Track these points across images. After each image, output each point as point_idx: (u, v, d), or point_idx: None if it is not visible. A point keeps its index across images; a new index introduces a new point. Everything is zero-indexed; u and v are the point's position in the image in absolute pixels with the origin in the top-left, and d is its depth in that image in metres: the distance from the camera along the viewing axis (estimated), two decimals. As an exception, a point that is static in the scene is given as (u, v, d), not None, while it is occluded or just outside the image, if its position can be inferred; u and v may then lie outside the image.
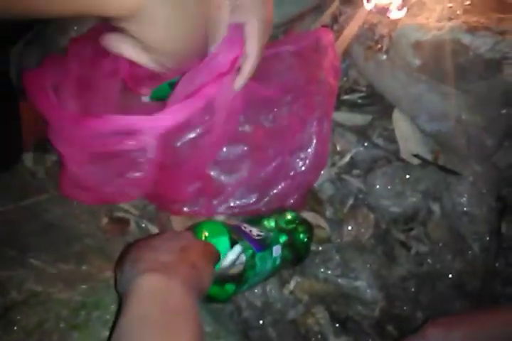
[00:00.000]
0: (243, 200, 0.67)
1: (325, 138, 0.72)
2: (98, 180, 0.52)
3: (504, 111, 0.73)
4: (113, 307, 0.42)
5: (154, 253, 0.41)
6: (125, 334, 0.34)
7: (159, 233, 0.49)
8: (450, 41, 0.68)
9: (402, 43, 0.74)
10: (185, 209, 0.64)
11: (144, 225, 0.64)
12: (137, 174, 0.52)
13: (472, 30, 0.68)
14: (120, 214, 0.63)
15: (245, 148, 0.69)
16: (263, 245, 0.54)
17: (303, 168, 0.70)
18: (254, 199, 0.67)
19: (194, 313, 0.38)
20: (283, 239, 0.61)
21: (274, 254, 0.56)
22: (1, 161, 0.52)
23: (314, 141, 0.71)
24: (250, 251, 0.52)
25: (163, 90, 0.54)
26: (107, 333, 0.39)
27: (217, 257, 0.47)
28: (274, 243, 0.57)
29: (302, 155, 0.70)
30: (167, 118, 0.47)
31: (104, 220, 0.61)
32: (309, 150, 0.71)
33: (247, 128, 0.68)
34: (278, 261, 0.57)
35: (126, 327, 0.35)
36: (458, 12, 0.72)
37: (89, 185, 0.52)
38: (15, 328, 0.36)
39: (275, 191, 0.69)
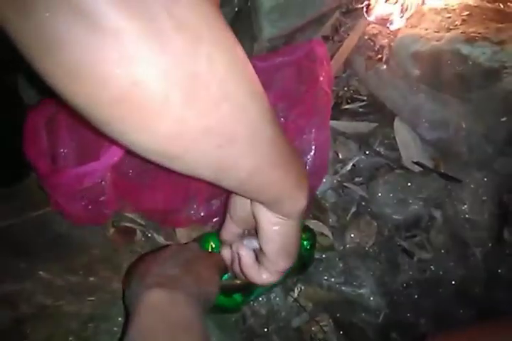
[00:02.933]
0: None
1: (323, 144, 0.73)
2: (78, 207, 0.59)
3: (504, 118, 0.74)
4: (120, 320, 0.43)
5: (160, 267, 0.43)
6: None
7: (165, 246, 0.51)
8: (449, 51, 0.70)
9: (402, 54, 0.75)
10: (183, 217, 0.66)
11: (149, 235, 0.65)
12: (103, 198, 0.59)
13: (471, 40, 0.69)
14: (126, 224, 0.64)
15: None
16: None
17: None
18: None
19: (198, 325, 0.38)
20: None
21: None
22: (11, 175, 0.53)
23: (313, 148, 0.72)
24: None
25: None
26: (114, 346, 0.41)
27: (223, 267, 0.48)
28: None
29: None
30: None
31: (111, 230, 0.62)
32: (308, 156, 0.72)
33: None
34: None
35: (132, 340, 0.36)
36: (456, 22, 0.74)
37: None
38: (25, 342, 0.37)
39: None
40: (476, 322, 0.74)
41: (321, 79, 0.72)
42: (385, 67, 0.80)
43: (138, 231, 0.65)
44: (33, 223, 0.55)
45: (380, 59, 0.81)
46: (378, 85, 0.83)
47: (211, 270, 0.45)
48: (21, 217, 0.55)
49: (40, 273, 0.47)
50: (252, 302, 0.67)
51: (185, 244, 0.50)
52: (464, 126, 0.75)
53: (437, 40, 0.71)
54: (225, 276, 0.49)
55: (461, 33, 0.70)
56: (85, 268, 0.51)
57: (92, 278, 0.50)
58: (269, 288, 0.59)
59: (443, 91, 0.74)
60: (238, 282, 0.54)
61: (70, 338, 0.39)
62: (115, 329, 0.42)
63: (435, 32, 0.73)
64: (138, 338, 0.36)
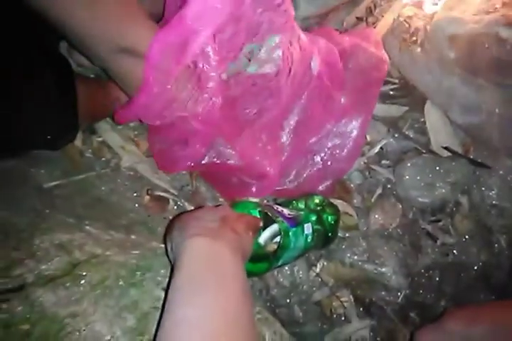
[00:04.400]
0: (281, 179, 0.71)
1: (364, 129, 0.75)
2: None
3: (539, 106, 0.73)
4: (163, 272, 0.45)
5: (199, 221, 0.44)
6: (179, 293, 0.37)
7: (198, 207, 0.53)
8: (487, 34, 0.69)
9: (438, 36, 0.74)
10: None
11: (181, 204, 0.68)
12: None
13: (511, 23, 0.69)
14: (160, 193, 0.67)
15: (292, 122, 0.71)
16: (295, 222, 0.57)
17: (337, 156, 0.73)
18: (291, 178, 0.70)
19: (242, 274, 0.41)
20: (313, 218, 0.64)
21: (306, 231, 0.59)
22: (60, 139, 0.56)
23: (356, 131, 0.74)
24: (285, 226, 0.55)
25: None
26: (159, 292, 0.43)
27: (256, 226, 0.50)
28: (305, 221, 0.60)
29: (339, 142, 0.73)
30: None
31: (146, 198, 0.65)
32: (349, 139, 0.73)
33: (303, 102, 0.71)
34: (309, 239, 0.60)
35: (180, 286, 0.37)
36: (497, 5, 0.73)
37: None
38: (82, 282, 0.40)
39: (309, 173, 0.71)
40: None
41: (375, 64, 0.74)
42: (419, 49, 0.80)
43: (171, 201, 0.68)
44: (75, 186, 0.58)
45: (415, 41, 0.81)
46: (411, 68, 0.83)
47: (245, 226, 0.47)
48: (67, 178, 0.58)
49: (87, 227, 0.50)
50: (276, 273, 0.70)
51: (218, 205, 0.52)
52: (497, 111, 0.75)
53: (475, 23, 0.70)
54: (256, 242, 0.51)
55: (502, 16, 0.69)
56: (126, 227, 0.54)
57: (133, 236, 0.53)
58: (293, 259, 0.61)
59: (478, 75, 0.73)
60: (266, 251, 0.56)
61: (120, 283, 0.42)
62: (159, 278, 0.45)
63: (473, 15, 0.73)
64: (186, 285, 0.37)
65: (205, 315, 0.35)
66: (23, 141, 0.51)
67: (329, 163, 0.74)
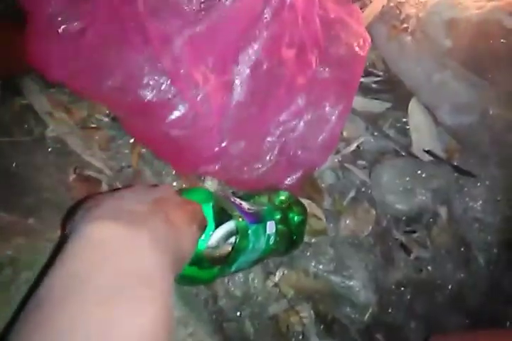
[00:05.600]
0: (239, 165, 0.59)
1: (344, 118, 0.64)
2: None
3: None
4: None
5: (118, 201, 0.32)
6: (39, 309, 0.23)
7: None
8: (489, 22, 0.61)
9: (434, 21, 0.66)
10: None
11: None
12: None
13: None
14: (92, 173, 0.54)
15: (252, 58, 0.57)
16: (256, 218, 0.46)
17: (309, 145, 0.62)
18: (252, 165, 0.58)
19: (164, 283, 0.27)
20: (277, 216, 0.53)
21: (268, 231, 0.47)
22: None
23: (334, 119, 0.63)
24: (243, 223, 0.43)
25: None
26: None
27: (203, 222, 0.37)
28: (268, 218, 0.49)
29: (313, 129, 0.62)
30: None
31: (72, 176, 0.52)
32: (325, 127, 0.63)
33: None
34: (271, 240, 0.48)
35: (43, 297, 0.24)
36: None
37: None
38: None
39: (274, 160, 0.60)
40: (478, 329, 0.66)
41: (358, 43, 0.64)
42: (409, 38, 0.72)
43: (103, 184, 0.55)
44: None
45: (405, 29, 0.73)
46: (399, 59, 0.74)
47: (190, 220, 0.34)
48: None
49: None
50: (226, 280, 0.58)
51: (155, 185, 0.39)
52: (491, 112, 0.67)
53: (477, 9, 0.62)
54: (203, 243, 0.39)
55: (507, 3, 0.61)
56: (27, 209, 0.41)
57: (30, 220, 0.39)
58: (250, 264, 0.49)
59: (474, 69, 0.65)
60: (217, 253, 0.44)
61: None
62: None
63: (475, 1, 0.65)
64: (68, 287, 0.24)
65: None
66: None
67: (299, 152, 0.63)
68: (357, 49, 0.63)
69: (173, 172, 0.60)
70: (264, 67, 0.57)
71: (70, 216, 0.31)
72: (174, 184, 0.60)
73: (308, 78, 0.60)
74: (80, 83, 0.53)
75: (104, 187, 0.54)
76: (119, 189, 0.38)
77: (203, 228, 0.37)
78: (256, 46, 0.56)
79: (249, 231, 0.43)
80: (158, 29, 0.50)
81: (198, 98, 0.52)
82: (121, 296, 0.25)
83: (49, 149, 0.53)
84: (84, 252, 0.26)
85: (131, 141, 0.60)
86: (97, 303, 0.24)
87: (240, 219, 0.43)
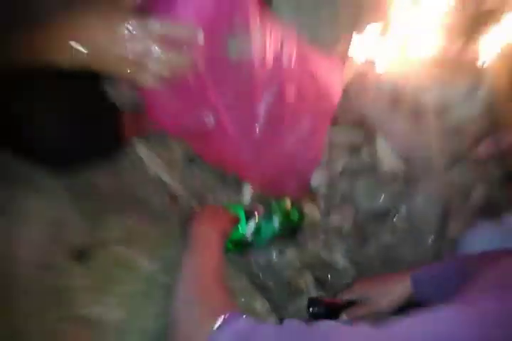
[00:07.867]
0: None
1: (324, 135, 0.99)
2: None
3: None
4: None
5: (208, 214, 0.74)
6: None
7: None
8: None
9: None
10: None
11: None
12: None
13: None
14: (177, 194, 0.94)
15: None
16: (267, 215, 0.87)
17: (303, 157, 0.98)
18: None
19: (220, 245, 0.67)
20: (280, 213, 0.92)
21: (275, 224, 0.88)
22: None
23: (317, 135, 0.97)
24: (262, 220, 0.85)
25: None
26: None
27: (236, 219, 0.79)
28: (275, 215, 0.90)
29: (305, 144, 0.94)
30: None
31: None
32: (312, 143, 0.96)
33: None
34: (276, 229, 0.89)
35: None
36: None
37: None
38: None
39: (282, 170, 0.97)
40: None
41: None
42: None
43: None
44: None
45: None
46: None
47: (230, 221, 0.77)
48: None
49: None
50: (254, 253, 0.97)
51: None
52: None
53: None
54: (240, 231, 0.81)
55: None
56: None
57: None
58: (266, 242, 0.90)
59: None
60: (244, 237, 0.84)
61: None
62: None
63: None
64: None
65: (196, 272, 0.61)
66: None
67: (298, 164, 0.99)
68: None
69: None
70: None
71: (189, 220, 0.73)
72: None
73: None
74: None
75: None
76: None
77: (235, 223, 0.79)
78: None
79: (263, 223, 0.84)
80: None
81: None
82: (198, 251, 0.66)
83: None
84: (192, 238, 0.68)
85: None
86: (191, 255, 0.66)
87: (258, 217, 0.83)
